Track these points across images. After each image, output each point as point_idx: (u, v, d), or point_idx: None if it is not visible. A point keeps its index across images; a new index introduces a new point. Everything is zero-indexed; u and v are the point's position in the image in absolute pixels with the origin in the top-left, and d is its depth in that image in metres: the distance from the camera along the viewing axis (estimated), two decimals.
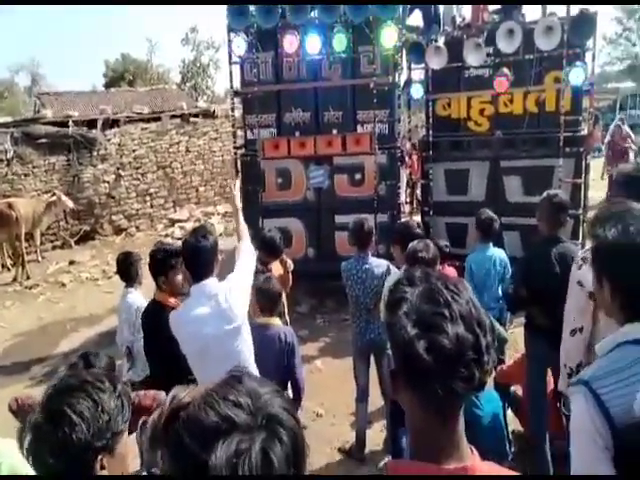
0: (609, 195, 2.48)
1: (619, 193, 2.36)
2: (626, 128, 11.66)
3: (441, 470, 0.93)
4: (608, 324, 1.81)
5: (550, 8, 6.22)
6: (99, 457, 1.16)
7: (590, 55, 6.02)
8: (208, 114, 13.32)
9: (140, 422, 1.14)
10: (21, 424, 1.19)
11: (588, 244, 2.54)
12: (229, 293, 2.51)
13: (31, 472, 1.17)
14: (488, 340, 0.91)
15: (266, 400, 0.77)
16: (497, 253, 4.17)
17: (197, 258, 2.53)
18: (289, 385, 3.24)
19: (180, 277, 3.06)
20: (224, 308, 2.48)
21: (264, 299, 3.21)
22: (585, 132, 6.17)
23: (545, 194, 3.17)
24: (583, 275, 2.18)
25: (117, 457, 1.21)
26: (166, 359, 2.82)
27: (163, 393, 2.27)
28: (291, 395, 3.23)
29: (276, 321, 3.28)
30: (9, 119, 11.15)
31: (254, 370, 2.63)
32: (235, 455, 0.70)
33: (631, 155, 11.29)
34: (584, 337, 2.22)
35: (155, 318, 3.01)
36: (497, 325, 3.20)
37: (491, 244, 4.20)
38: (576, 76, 5.66)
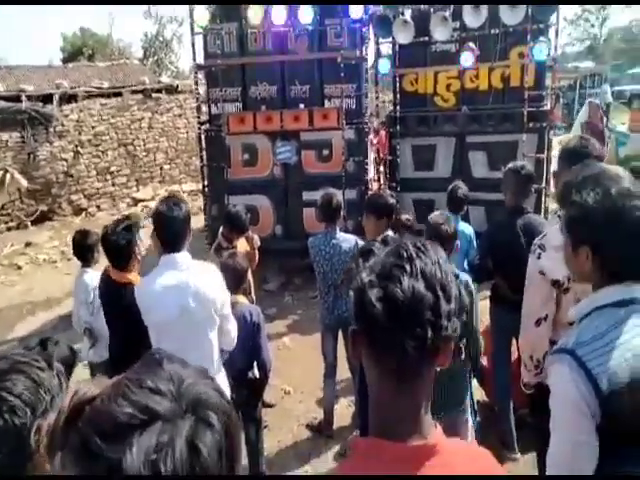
0: (554, 172, 2.45)
1: (564, 169, 2.31)
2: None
3: (399, 448, 0.88)
4: (572, 306, 1.81)
5: None
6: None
7: (553, 31, 6.07)
8: (171, 90, 12.92)
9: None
10: None
11: (547, 227, 2.51)
12: (204, 279, 2.45)
13: None
14: (451, 307, 0.86)
15: (191, 383, 0.66)
16: (463, 227, 4.19)
17: (169, 227, 2.43)
18: (255, 365, 3.18)
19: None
20: (193, 288, 2.41)
21: (229, 276, 3.12)
22: (548, 107, 6.25)
23: (511, 164, 3.17)
24: (544, 264, 2.16)
25: None
26: (128, 338, 2.73)
27: None
28: (257, 375, 3.18)
29: (241, 299, 3.20)
30: None
31: (216, 359, 2.56)
32: (155, 450, 0.58)
33: (607, 137, 10.27)
34: (548, 324, 2.22)
35: (112, 295, 2.92)
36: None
37: (459, 217, 4.21)
38: (540, 51, 5.72)
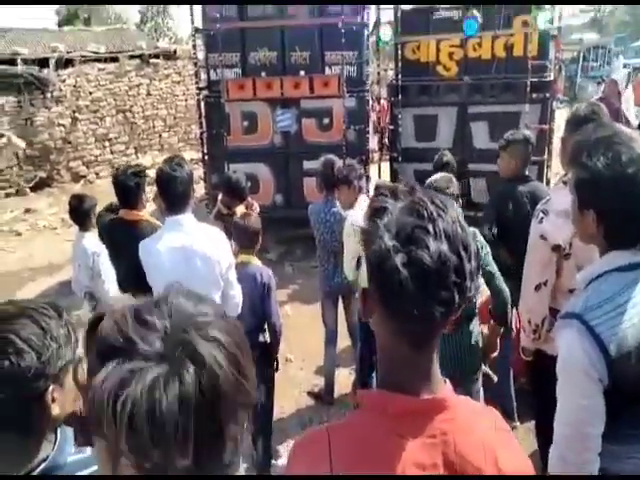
0: (562, 137, 2.40)
1: (571, 135, 2.26)
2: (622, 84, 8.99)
3: (408, 401, 0.86)
4: (572, 273, 1.79)
5: None
6: (50, 388, 1.08)
7: None
8: (169, 55, 12.67)
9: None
10: None
11: (552, 192, 2.50)
12: (209, 241, 2.46)
13: None
14: (472, 266, 0.82)
15: (193, 323, 0.65)
16: None
17: (172, 187, 2.44)
18: (265, 327, 3.15)
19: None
20: (198, 251, 2.42)
21: (242, 235, 3.07)
22: (552, 78, 6.17)
23: (518, 133, 3.12)
24: (546, 229, 2.14)
25: (67, 391, 1.12)
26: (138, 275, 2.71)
27: None
28: (268, 339, 3.16)
29: (255, 260, 3.14)
30: None
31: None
32: (120, 386, 0.60)
33: (633, 119, 7.95)
34: (548, 290, 2.20)
35: (123, 233, 3.00)
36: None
37: None
38: (544, 19, 5.64)
